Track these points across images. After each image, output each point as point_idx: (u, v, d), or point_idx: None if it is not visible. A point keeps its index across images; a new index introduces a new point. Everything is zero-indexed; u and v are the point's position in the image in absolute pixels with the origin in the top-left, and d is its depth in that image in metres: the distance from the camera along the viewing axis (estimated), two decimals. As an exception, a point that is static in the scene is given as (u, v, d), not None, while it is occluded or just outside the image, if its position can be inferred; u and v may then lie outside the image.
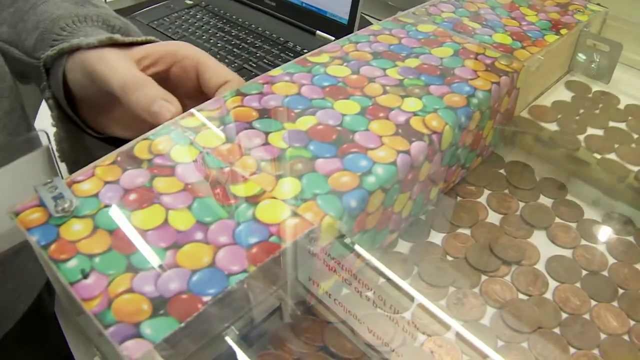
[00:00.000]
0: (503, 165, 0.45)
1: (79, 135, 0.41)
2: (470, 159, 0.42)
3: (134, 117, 0.36)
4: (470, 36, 0.44)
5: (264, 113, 0.35)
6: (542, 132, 0.46)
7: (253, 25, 0.81)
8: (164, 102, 0.34)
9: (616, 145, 0.45)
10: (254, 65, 0.71)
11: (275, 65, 0.71)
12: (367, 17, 0.84)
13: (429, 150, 0.34)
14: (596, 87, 0.51)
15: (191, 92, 0.39)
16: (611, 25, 0.51)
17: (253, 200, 0.29)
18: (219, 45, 0.75)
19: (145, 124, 0.34)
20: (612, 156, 0.44)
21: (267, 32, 0.79)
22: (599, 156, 0.44)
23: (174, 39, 0.76)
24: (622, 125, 0.48)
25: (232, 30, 0.79)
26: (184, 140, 0.33)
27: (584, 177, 0.44)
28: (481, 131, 0.40)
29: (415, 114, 0.36)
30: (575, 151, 0.45)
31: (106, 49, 0.36)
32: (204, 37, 0.77)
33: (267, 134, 0.33)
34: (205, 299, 0.25)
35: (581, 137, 0.46)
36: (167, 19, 0.82)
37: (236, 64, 0.71)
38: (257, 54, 0.73)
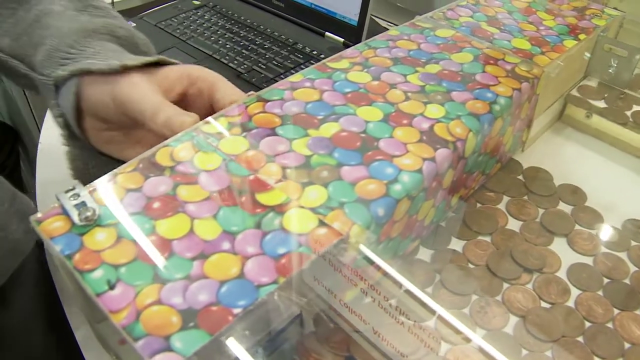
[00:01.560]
0: (521, 171, 0.45)
1: (90, 152, 0.41)
2: (491, 166, 0.42)
3: (135, 139, 0.38)
4: (490, 41, 0.44)
5: (287, 120, 0.34)
6: (592, 108, 0.48)
7: (261, 27, 0.80)
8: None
9: None
10: (263, 67, 0.70)
11: (285, 67, 0.70)
12: (376, 18, 0.84)
13: (453, 157, 0.34)
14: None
15: (203, 113, 0.38)
16: (628, 29, 0.50)
17: (280, 210, 0.29)
18: (227, 46, 0.75)
19: (141, 149, 0.36)
20: None
21: (276, 34, 0.78)
22: None
23: (181, 40, 0.75)
24: None
25: (241, 32, 0.79)
26: (207, 147, 0.33)
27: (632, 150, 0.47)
28: (502, 137, 0.40)
29: (438, 120, 0.35)
30: (624, 125, 0.47)
31: (133, 74, 0.36)
32: (212, 38, 0.76)
33: (290, 140, 0.33)
34: (236, 311, 0.25)
35: (628, 113, 0.48)
36: (175, 20, 0.82)
37: (245, 65, 0.70)
38: (267, 55, 0.73)
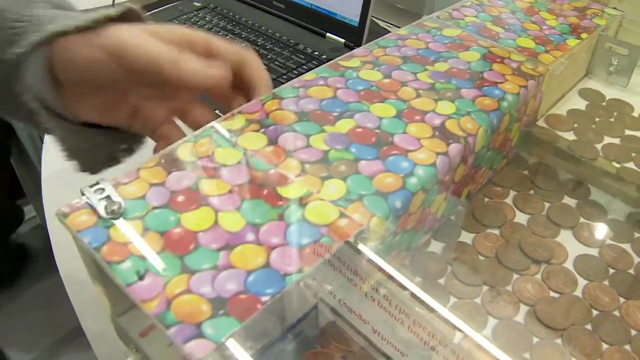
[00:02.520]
0: (527, 166, 0.46)
1: (75, 127, 0.36)
2: (498, 161, 0.43)
3: (119, 101, 0.35)
4: (495, 40, 0.45)
5: (303, 116, 0.35)
6: (560, 142, 0.47)
7: (263, 28, 0.81)
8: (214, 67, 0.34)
9: (634, 154, 0.46)
10: (266, 68, 0.71)
11: (287, 67, 0.71)
12: (376, 20, 0.85)
13: (464, 152, 0.35)
14: (609, 95, 0.52)
15: None
16: (627, 28, 0.52)
17: (301, 202, 0.30)
18: (230, 47, 0.75)
19: (123, 109, 0.35)
20: (630, 165, 0.46)
21: (277, 35, 0.79)
22: (618, 165, 0.45)
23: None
24: (638, 134, 0.49)
25: (242, 33, 0.80)
26: (227, 142, 0.33)
27: (603, 186, 0.45)
28: (509, 133, 0.41)
29: (449, 117, 0.36)
30: (594, 160, 0.46)
31: (119, 25, 0.33)
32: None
33: (308, 136, 0.34)
34: (264, 298, 0.26)
35: (598, 147, 0.47)
36: (176, 21, 0.82)
37: (249, 66, 0.71)
38: (268, 56, 0.74)
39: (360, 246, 0.29)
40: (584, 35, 0.47)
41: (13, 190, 1.30)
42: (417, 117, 0.36)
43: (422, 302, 0.31)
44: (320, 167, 0.32)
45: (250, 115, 0.35)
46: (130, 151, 0.39)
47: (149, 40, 0.33)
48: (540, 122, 0.49)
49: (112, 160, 0.38)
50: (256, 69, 0.37)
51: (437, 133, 0.35)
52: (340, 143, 0.34)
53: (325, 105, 0.36)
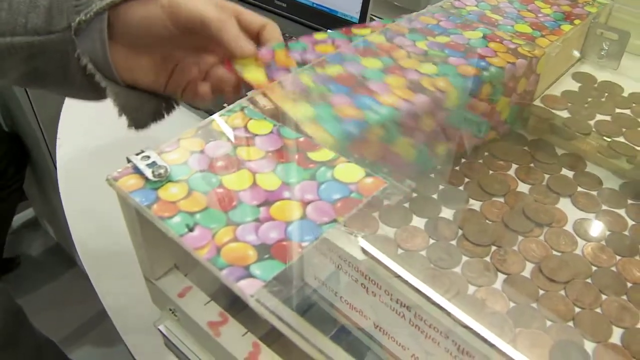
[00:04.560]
0: (527, 143, 0.50)
1: (124, 87, 0.40)
2: (484, 130, 0.47)
3: (165, 60, 0.39)
4: (495, 26, 0.49)
5: (303, 62, 0.41)
6: (556, 119, 0.51)
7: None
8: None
9: (623, 129, 0.50)
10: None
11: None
12: (375, 18, 0.89)
13: (432, 104, 0.40)
14: (601, 77, 0.56)
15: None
16: (617, 16, 0.56)
17: (330, 164, 0.33)
18: (238, 43, 0.79)
19: (166, 68, 0.39)
20: (620, 139, 0.49)
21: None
22: (609, 139, 0.49)
23: None
24: (627, 112, 0.53)
25: (248, 30, 0.83)
26: (258, 115, 0.37)
27: (595, 159, 0.49)
28: (494, 105, 0.45)
29: (428, 75, 0.41)
30: (588, 135, 0.50)
31: None
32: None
33: (299, 74, 0.40)
34: (304, 244, 0.29)
35: (591, 123, 0.51)
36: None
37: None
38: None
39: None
40: (577, 22, 0.51)
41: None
42: (398, 72, 0.41)
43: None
44: (302, 95, 0.38)
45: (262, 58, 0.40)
46: (172, 107, 0.43)
47: (201, 2, 0.37)
48: (537, 102, 0.52)
49: (158, 114, 0.42)
50: (272, 31, 0.41)
51: (409, 85, 0.40)
52: (323, 82, 0.39)
53: (325, 57, 0.42)
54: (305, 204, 0.31)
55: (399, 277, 0.36)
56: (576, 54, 0.56)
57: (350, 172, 0.33)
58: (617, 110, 0.52)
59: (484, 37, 0.46)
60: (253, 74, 0.39)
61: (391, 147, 0.40)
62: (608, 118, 0.51)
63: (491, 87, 0.43)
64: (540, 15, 0.52)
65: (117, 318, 0.50)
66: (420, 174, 0.45)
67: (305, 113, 0.37)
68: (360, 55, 0.43)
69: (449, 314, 0.33)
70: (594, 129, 0.50)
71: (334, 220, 0.30)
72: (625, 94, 0.54)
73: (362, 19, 0.79)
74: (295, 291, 0.30)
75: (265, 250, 0.28)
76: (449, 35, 0.46)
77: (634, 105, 0.53)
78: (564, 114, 0.52)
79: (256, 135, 0.35)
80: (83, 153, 0.68)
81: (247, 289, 0.27)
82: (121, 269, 0.50)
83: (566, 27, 0.50)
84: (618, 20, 0.56)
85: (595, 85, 0.55)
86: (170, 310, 0.39)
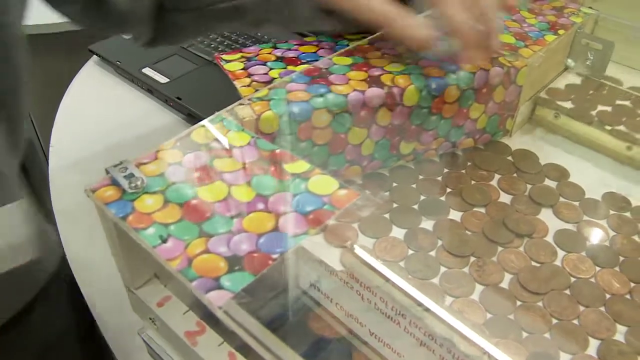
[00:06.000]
0: (510, 153, 0.50)
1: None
2: (457, 135, 0.48)
3: None
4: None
5: (280, 59, 0.45)
6: (560, 109, 0.52)
7: (259, 34, 0.85)
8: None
9: (623, 119, 0.51)
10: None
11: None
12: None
13: (387, 98, 0.41)
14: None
15: None
16: (602, 26, 0.56)
17: (304, 176, 0.33)
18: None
19: None
20: (621, 127, 0.50)
21: (274, 39, 0.83)
22: (609, 127, 0.50)
23: (183, 48, 0.79)
24: (627, 103, 0.54)
25: (239, 39, 0.83)
26: (236, 127, 0.37)
27: (597, 147, 0.51)
28: (466, 110, 0.46)
29: (390, 72, 0.43)
30: (590, 124, 0.51)
31: None
32: (212, 45, 0.81)
33: (271, 69, 0.44)
34: (275, 255, 0.29)
35: (593, 113, 0.52)
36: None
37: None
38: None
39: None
40: (561, 32, 0.51)
41: None
42: (364, 69, 0.43)
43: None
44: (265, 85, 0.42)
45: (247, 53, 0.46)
46: None
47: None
48: (542, 94, 0.54)
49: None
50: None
51: (368, 79, 0.41)
52: (288, 74, 0.42)
53: (303, 55, 0.45)
54: (279, 215, 0.31)
55: (377, 287, 0.36)
56: (571, 63, 0.56)
57: (324, 184, 0.33)
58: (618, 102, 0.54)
59: None
60: (232, 65, 0.44)
61: (345, 136, 0.42)
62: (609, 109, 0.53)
63: (458, 90, 0.44)
64: (525, 25, 0.52)
65: (104, 325, 0.50)
66: (383, 168, 0.47)
67: (258, 94, 0.40)
68: (336, 54, 0.44)
69: (426, 324, 0.33)
70: (596, 118, 0.51)
71: (306, 232, 0.30)
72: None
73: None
74: (266, 303, 0.30)
75: (236, 262, 0.29)
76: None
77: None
78: (568, 104, 0.53)
79: (233, 147, 0.36)
80: (76, 160, 0.69)
81: (215, 300, 0.27)
82: (110, 276, 0.51)
83: (550, 37, 0.50)
84: (604, 30, 0.56)
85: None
86: (150, 319, 0.39)
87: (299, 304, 0.33)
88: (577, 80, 0.56)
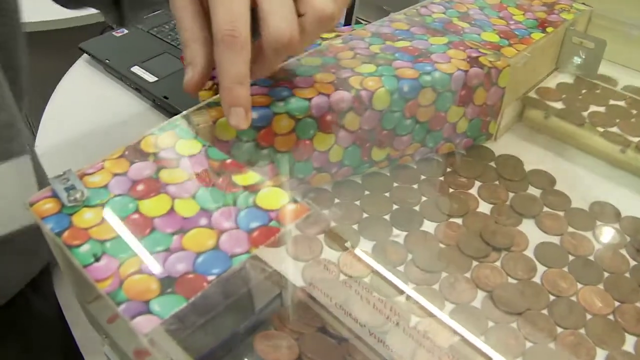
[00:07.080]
0: (493, 158, 0.47)
1: None
2: (434, 140, 0.45)
3: None
4: (460, 35, 0.46)
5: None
6: (550, 110, 0.50)
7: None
8: None
9: (617, 120, 0.48)
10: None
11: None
12: (361, 21, 0.86)
13: (354, 102, 0.38)
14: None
15: None
16: (596, 23, 0.53)
17: (253, 189, 0.31)
18: (219, 50, 0.77)
19: None
20: (614, 129, 0.48)
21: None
22: (602, 129, 0.47)
23: (173, 45, 0.78)
24: (621, 103, 0.51)
25: (232, 36, 0.81)
26: (189, 134, 0.35)
27: (589, 149, 0.48)
28: (444, 114, 0.43)
29: (360, 74, 0.40)
30: (581, 126, 0.48)
31: None
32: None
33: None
34: (210, 278, 0.27)
35: (585, 114, 0.49)
36: (167, 26, 0.84)
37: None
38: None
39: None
40: (549, 29, 0.48)
41: None
42: (333, 70, 0.40)
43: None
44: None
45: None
46: None
47: None
48: (532, 94, 0.51)
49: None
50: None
51: (335, 82, 0.39)
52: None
53: None
54: (221, 232, 0.29)
55: (340, 306, 0.34)
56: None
57: (273, 197, 0.31)
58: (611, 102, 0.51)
59: (450, 43, 0.44)
60: None
61: (309, 142, 0.39)
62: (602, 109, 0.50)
63: (434, 92, 0.41)
64: (511, 22, 0.49)
65: (80, 335, 0.49)
66: (355, 175, 0.44)
67: (216, 98, 0.36)
68: (306, 55, 0.41)
69: (387, 347, 0.31)
70: (587, 120, 0.49)
71: (248, 252, 0.28)
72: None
73: (348, 21, 0.77)
74: (196, 330, 0.28)
75: (169, 284, 0.27)
76: (411, 41, 0.44)
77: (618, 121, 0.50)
78: (558, 104, 0.51)
79: (182, 156, 0.33)
80: (60, 158, 0.67)
81: (142, 326, 0.25)
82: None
83: (537, 35, 0.47)
84: (599, 28, 0.53)
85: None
86: (104, 335, 0.38)
87: (244, 328, 0.31)
88: (570, 79, 0.53)
